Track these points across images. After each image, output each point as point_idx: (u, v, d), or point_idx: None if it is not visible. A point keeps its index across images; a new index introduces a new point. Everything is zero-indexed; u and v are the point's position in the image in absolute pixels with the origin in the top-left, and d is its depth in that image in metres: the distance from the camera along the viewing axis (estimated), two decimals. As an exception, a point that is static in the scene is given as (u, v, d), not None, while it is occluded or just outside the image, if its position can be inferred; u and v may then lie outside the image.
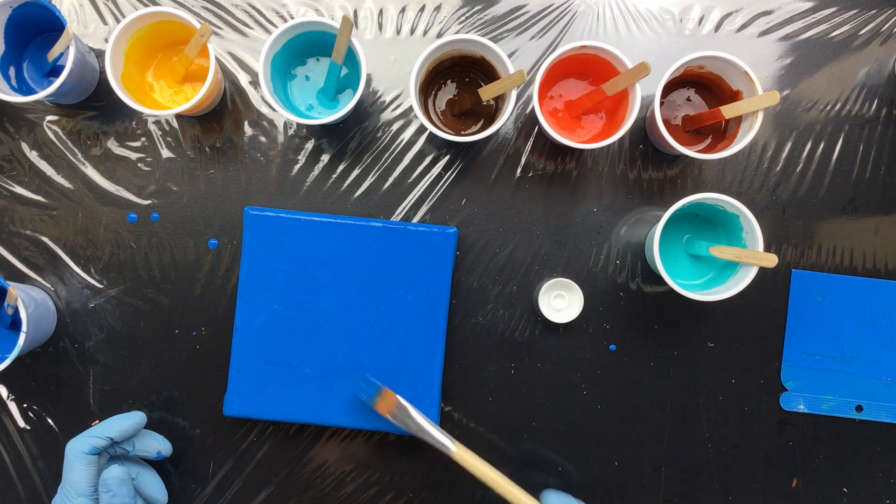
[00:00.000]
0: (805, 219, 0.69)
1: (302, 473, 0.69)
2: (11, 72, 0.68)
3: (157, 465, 0.68)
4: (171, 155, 0.70)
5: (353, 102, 0.63)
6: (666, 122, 0.68)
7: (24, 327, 0.61)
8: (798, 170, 0.70)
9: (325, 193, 0.69)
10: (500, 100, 0.67)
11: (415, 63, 0.62)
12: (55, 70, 0.68)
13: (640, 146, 0.69)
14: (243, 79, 0.70)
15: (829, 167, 0.70)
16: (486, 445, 0.69)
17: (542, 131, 0.69)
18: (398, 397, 0.64)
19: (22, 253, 0.69)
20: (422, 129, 0.70)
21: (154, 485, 0.65)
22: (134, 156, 0.70)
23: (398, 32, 0.70)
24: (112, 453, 0.63)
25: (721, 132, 0.68)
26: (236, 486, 0.69)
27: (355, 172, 0.69)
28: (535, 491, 0.64)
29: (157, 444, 0.65)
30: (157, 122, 0.70)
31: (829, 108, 0.70)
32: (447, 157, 0.70)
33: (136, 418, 0.63)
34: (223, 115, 0.70)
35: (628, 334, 0.69)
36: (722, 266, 0.66)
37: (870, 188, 0.69)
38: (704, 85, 0.68)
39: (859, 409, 0.69)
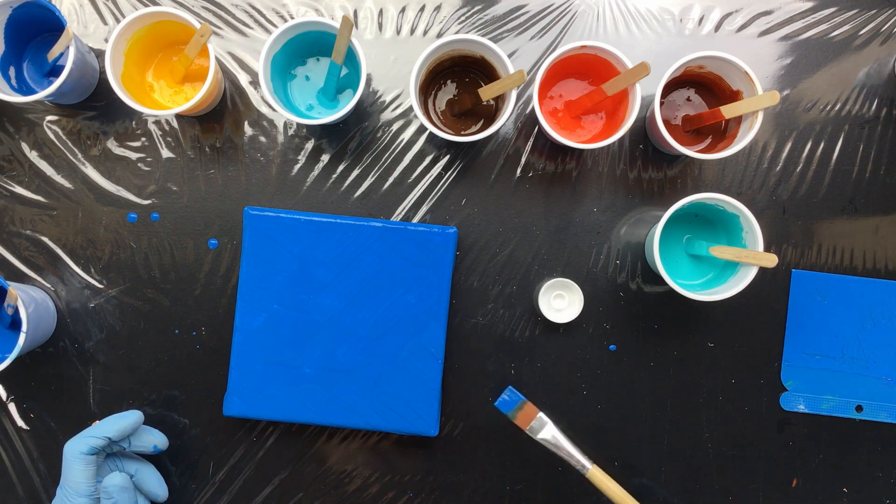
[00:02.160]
0: (805, 219, 0.69)
1: (302, 473, 0.69)
2: (11, 72, 0.68)
3: (158, 464, 0.68)
4: (171, 155, 0.70)
5: (353, 102, 0.63)
6: (666, 122, 0.68)
7: (24, 327, 0.61)
8: (798, 170, 0.70)
9: (325, 193, 0.69)
10: (500, 100, 0.67)
11: (415, 63, 0.62)
12: (55, 70, 0.68)
13: (640, 146, 0.69)
14: (243, 79, 0.70)
15: (829, 167, 0.70)
16: (487, 444, 0.69)
17: (542, 131, 0.69)
18: (539, 412, 0.65)
19: (22, 253, 0.69)
20: (422, 129, 0.70)
21: (154, 480, 0.65)
22: (134, 156, 0.70)
23: (398, 32, 0.70)
24: (108, 451, 0.63)
25: (721, 132, 0.68)
26: (237, 486, 0.69)
27: (355, 172, 0.69)
28: None
29: (153, 439, 0.65)
30: (157, 122, 0.70)
31: (829, 108, 0.70)
32: (447, 157, 0.70)
33: (133, 417, 0.63)
34: (223, 115, 0.70)
35: (628, 334, 0.69)
36: (722, 266, 0.66)
37: (870, 188, 0.69)
38: (704, 85, 0.68)
39: (859, 409, 0.69)
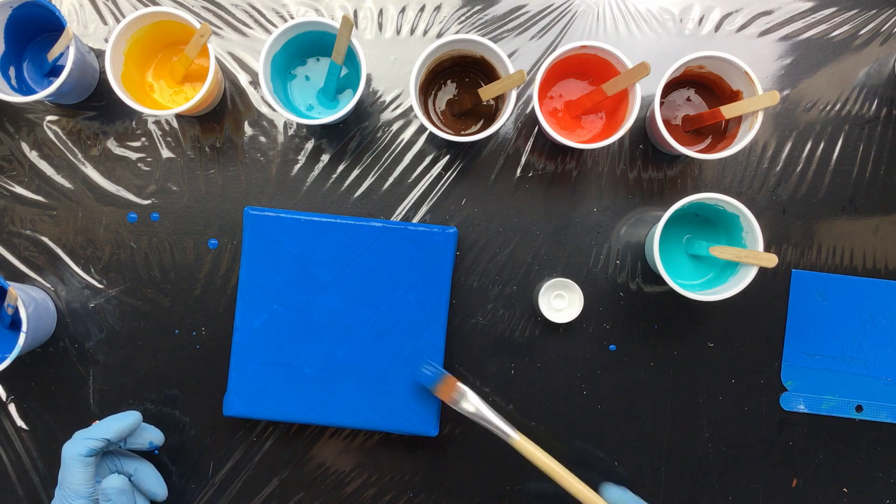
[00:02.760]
0: (805, 219, 0.69)
1: (302, 473, 0.69)
2: (11, 72, 0.68)
3: (158, 464, 0.68)
4: (171, 155, 0.70)
5: (353, 102, 0.63)
6: (666, 122, 0.68)
7: (24, 327, 0.61)
8: (798, 170, 0.70)
9: (325, 193, 0.69)
10: (500, 100, 0.67)
11: (415, 63, 0.62)
12: (55, 70, 0.68)
13: (640, 146, 0.69)
14: (243, 79, 0.70)
15: (829, 167, 0.70)
16: (487, 444, 0.69)
17: (542, 131, 0.69)
18: (458, 383, 0.64)
19: (22, 253, 0.69)
20: (422, 129, 0.70)
21: (153, 479, 0.65)
22: (134, 156, 0.70)
23: (398, 32, 0.70)
24: (106, 450, 0.63)
25: (721, 132, 0.68)
26: (237, 486, 0.69)
27: (355, 172, 0.69)
28: (592, 484, 0.64)
29: (149, 436, 0.65)
30: (157, 122, 0.70)
31: (829, 108, 0.70)
32: (447, 157, 0.70)
33: (132, 418, 0.63)
34: (223, 115, 0.70)
35: (628, 334, 0.69)
36: (722, 266, 0.66)
37: (870, 188, 0.69)
38: (704, 85, 0.68)
39: (859, 409, 0.69)
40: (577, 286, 0.67)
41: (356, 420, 0.66)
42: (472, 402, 0.63)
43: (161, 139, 0.70)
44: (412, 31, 0.70)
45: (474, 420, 0.63)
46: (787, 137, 0.70)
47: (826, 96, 0.70)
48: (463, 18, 0.70)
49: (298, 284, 0.66)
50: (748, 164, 0.69)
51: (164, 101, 0.68)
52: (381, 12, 0.70)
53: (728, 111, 0.62)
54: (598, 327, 0.69)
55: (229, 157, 0.70)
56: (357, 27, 0.70)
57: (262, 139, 0.70)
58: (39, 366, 0.69)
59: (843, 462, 0.69)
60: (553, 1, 0.70)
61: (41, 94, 0.63)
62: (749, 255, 0.60)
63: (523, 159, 0.70)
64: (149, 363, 0.69)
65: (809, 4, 0.70)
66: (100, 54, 0.70)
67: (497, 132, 0.69)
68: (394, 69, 0.70)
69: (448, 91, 0.69)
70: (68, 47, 0.62)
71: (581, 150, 0.70)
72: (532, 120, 0.70)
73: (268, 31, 0.70)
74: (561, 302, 0.68)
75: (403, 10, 0.70)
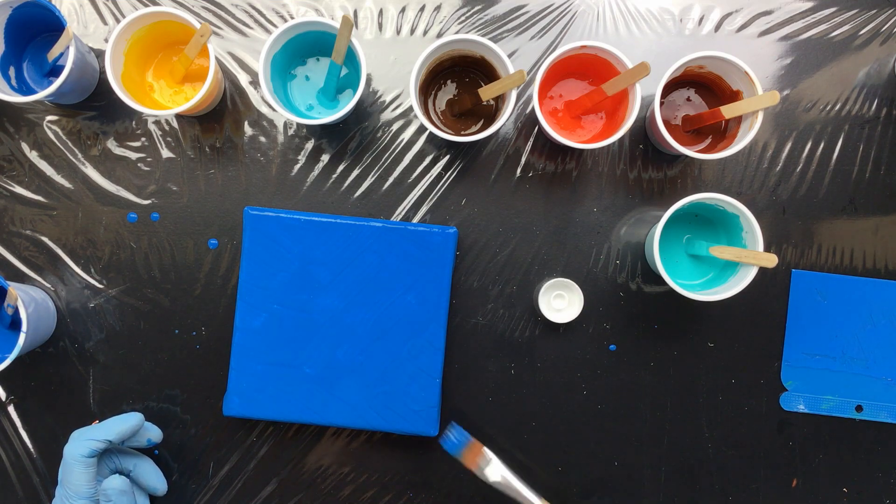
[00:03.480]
0: (805, 219, 0.69)
1: (302, 473, 0.69)
2: (11, 72, 0.68)
3: (159, 461, 0.68)
4: (171, 155, 0.70)
5: (353, 102, 0.63)
6: (666, 122, 0.68)
7: (24, 327, 0.61)
8: (798, 170, 0.70)
9: (325, 193, 0.69)
10: (500, 100, 0.67)
11: (415, 63, 0.62)
12: (55, 70, 0.68)
13: (640, 146, 0.69)
14: (243, 79, 0.70)
15: (829, 167, 0.70)
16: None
17: (542, 131, 0.69)
18: (484, 448, 0.65)
19: (22, 253, 0.69)
20: (422, 129, 0.70)
21: (152, 474, 0.65)
22: (134, 156, 0.70)
23: (398, 32, 0.70)
24: (106, 449, 0.63)
25: (721, 132, 0.68)
26: (237, 486, 0.69)
27: (355, 172, 0.69)
28: None
29: (147, 433, 0.65)
30: (157, 122, 0.70)
31: (829, 108, 0.70)
32: (447, 157, 0.70)
33: (134, 420, 0.63)
34: (223, 115, 0.70)
35: (628, 334, 0.69)
36: (722, 266, 0.66)
37: (870, 188, 0.69)
38: (704, 85, 0.68)
39: (859, 409, 0.69)
40: (577, 286, 0.67)
41: (356, 420, 0.66)
42: (497, 471, 0.64)
43: (161, 139, 0.70)
44: (412, 31, 0.70)
45: (499, 490, 0.63)
46: (787, 137, 0.70)
47: (826, 96, 0.70)
48: (463, 18, 0.70)
49: (298, 284, 0.66)
50: (748, 164, 0.69)
51: (164, 101, 0.68)
52: (381, 12, 0.70)
53: (728, 111, 0.62)
54: (598, 327, 0.69)
55: (229, 157, 0.70)
56: (357, 27, 0.70)
57: (262, 139, 0.70)
58: (39, 366, 0.69)
59: (843, 462, 0.69)
60: (553, 1, 0.70)
61: (41, 94, 0.63)
62: (749, 255, 0.60)
63: (523, 159, 0.70)
64: (149, 363, 0.69)
65: (809, 4, 0.70)
66: (100, 54, 0.70)
67: (497, 132, 0.69)
68: (394, 69, 0.70)
69: (448, 91, 0.69)
70: (68, 47, 0.62)
71: (581, 150, 0.70)
72: (532, 120, 0.70)
73: (268, 31, 0.70)
74: (561, 302, 0.68)
75: (403, 10, 0.70)
